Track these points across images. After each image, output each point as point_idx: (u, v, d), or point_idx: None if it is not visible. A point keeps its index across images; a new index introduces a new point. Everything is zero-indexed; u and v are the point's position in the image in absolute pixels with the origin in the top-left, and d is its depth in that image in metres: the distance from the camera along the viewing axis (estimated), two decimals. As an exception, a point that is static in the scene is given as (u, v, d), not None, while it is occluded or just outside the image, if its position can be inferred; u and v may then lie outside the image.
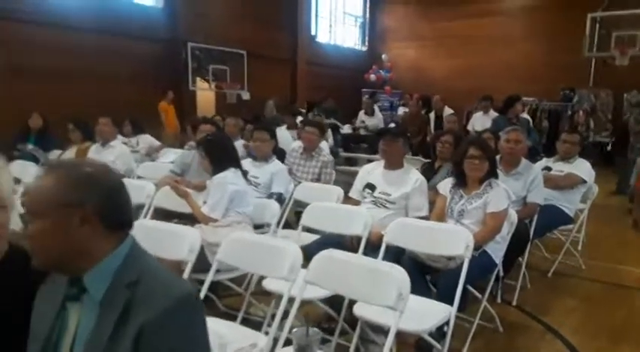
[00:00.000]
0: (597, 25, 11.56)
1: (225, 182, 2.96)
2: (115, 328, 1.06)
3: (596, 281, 4.22)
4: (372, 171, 3.44)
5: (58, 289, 1.17)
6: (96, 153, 4.85)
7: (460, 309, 2.54)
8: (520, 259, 3.70)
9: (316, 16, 15.94)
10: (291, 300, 2.06)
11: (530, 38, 13.73)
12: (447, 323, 2.43)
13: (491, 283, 3.00)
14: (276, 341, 1.99)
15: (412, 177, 3.26)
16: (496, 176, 3.06)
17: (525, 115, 7.23)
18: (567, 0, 12.78)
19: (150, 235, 2.03)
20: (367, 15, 17.93)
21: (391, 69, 16.43)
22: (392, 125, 8.53)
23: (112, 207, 1.14)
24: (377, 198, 3.27)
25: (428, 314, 2.30)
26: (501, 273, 3.11)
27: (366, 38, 18.00)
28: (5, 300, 1.25)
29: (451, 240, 2.52)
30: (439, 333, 2.51)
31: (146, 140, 6.41)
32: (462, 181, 3.09)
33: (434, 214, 3.16)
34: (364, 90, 16.25)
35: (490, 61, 14.43)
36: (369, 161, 8.27)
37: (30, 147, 5.19)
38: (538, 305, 3.60)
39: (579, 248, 4.54)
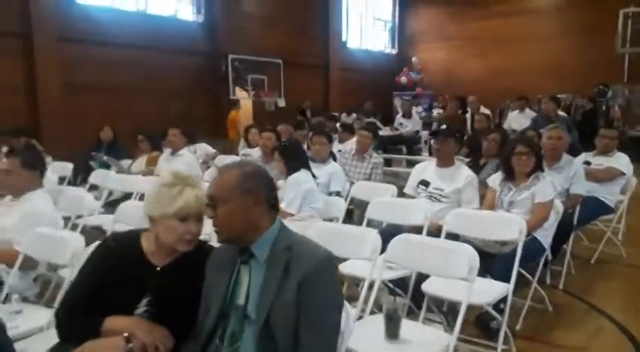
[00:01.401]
0: (629, 21, 11.61)
1: (299, 181, 3.38)
2: (281, 280, 1.47)
3: (636, 267, 4.48)
4: (425, 169, 3.81)
5: (228, 258, 1.59)
6: (166, 161, 5.32)
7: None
8: (565, 246, 3.99)
9: (347, 22, 16.34)
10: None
11: (561, 36, 13.78)
12: (505, 299, 2.78)
13: (540, 267, 3.32)
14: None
15: (463, 173, 3.61)
16: (542, 170, 3.39)
17: (563, 113, 7.43)
18: (599, -5, 12.86)
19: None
20: (396, 19, 18.24)
21: (421, 71, 16.66)
22: (435, 126, 8.80)
23: (271, 193, 1.56)
24: (431, 193, 3.64)
25: (488, 290, 2.64)
26: (549, 257, 3.43)
27: (396, 41, 18.31)
28: (190, 280, 1.69)
29: (506, 227, 2.87)
30: (497, 310, 2.85)
31: (202, 148, 6.90)
32: (510, 175, 3.43)
33: (485, 206, 3.49)
34: (395, 92, 16.57)
35: (521, 59, 14.52)
36: (408, 162, 8.68)
37: (104, 157, 5.70)
38: (583, 288, 3.89)
39: (619, 237, 4.78)
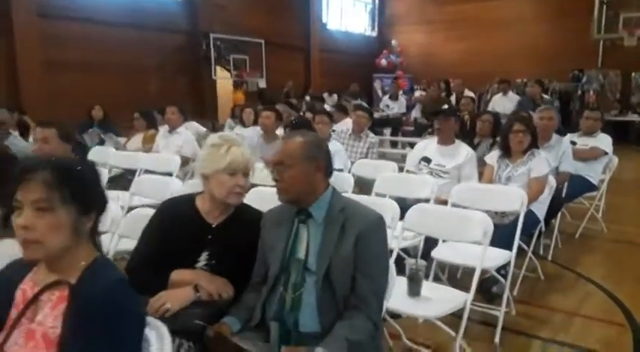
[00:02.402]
0: (605, 7, 11.96)
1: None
2: (339, 237, 1.63)
3: (617, 241, 4.79)
4: (426, 146, 4.00)
5: (285, 218, 1.75)
6: (164, 138, 5.38)
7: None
8: (553, 222, 4.25)
9: (327, 3, 16.33)
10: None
11: (538, 21, 14.04)
12: (505, 266, 3.01)
13: (534, 238, 3.57)
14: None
15: (463, 150, 3.82)
16: (537, 147, 3.61)
17: (547, 96, 7.74)
18: (575, -18, 13.16)
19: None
20: (376, 0, 18.29)
21: (401, 54, 16.80)
22: (417, 108, 9.00)
23: (328, 161, 1.72)
24: (433, 169, 3.83)
25: (492, 257, 2.84)
26: (543, 229, 3.68)
27: (376, 24, 18.37)
28: (242, 236, 1.85)
29: (508, 199, 3.08)
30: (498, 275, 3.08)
31: (193, 127, 6.93)
32: (507, 152, 3.64)
33: (484, 181, 3.71)
34: (375, 75, 16.71)
35: (499, 43, 14.74)
36: (393, 143, 8.89)
37: (102, 134, 5.72)
38: (570, 260, 4.17)
39: (600, 214, 5.08)
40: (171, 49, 11.82)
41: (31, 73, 9.21)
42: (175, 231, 1.84)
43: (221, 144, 1.87)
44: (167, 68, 11.62)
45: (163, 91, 11.20)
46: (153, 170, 4.41)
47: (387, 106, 9.22)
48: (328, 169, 1.75)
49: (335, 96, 13.08)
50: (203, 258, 1.84)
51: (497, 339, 2.78)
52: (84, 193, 1.22)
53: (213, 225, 1.88)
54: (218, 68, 12.56)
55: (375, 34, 18.36)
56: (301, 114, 6.40)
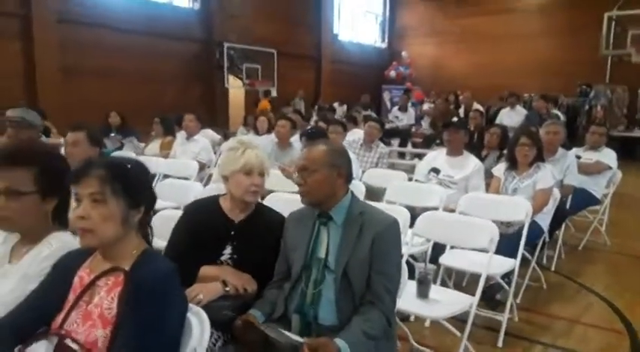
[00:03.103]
0: (613, 24, 12.08)
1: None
2: (357, 238, 1.79)
3: (620, 254, 4.91)
4: (436, 157, 4.16)
5: (307, 220, 1.91)
6: (181, 145, 5.56)
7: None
8: (557, 233, 4.38)
9: (338, 14, 16.56)
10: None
11: (547, 35, 14.18)
12: (509, 274, 3.14)
13: (538, 249, 3.70)
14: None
15: (471, 161, 3.97)
16: (543, 160, 3.76)
17: (556, 111, 7.88)
18: (584, -2, 13.31)
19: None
20: (387, 12, 18.51)
21: (410, 65, 16.96)
22: (426, 120, 9.16)
23: (349, 169, 1.88)
24: (441, 179, 3.98)
25: (498, 264, 2.99)
26: (547, 239, 3.81)
27: (386, 35, 18.59)
28: (262, 233, 2.01)
29: (513, 209, 3.23)
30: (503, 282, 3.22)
31: (208, 134, 7.12)
32: (514, 164, 3.79)
33: (491, 192, 3.84)
34: (384, 86, 16.89)
35: (508, 57, 14.87)
36: (401, 154, 9.03)
37: (124, 139, 5.91)
38: (572, 271, 4.30)
39: (604, 228, 5.20)
40: (186, 57, 12.08)
41: (50, 79, 9.45)
42: (202, 228, 2.02)
43: (237, 148, 2.07)
44: (181, 76, 11.87)
45: (177, 99, 11.45)
46: (171, 175, 4.59)
47: (397, 117, 9.38)
48: (349, 176, 1.91)
49: (345, 106, 13.27)
50: (227, 252, 2.01)
51: (500, 343, 2.92)
52: (133, 189, 1.39)
53: (236, 222, 2.06)
54: (231, 77, 12.79)
55: (385, 45, 18.57)
56: (314, 123, 6.55)
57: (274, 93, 13.66)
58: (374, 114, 9.24)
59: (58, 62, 9.51)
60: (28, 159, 1.55)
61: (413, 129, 9.51)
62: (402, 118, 9.37)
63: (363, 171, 4.70)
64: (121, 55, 10.41)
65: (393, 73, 16.88)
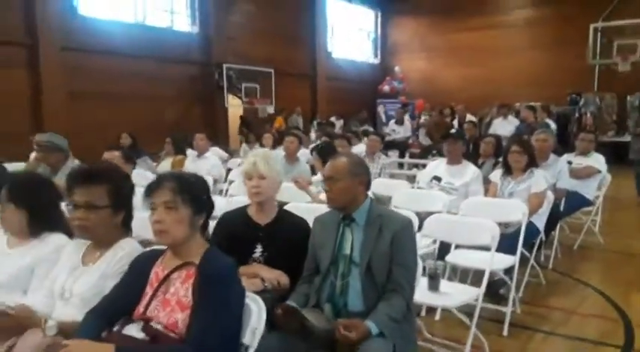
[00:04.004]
0: (599, 34, 12.55)
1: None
2: (377, 236, 2.08)
3: (612, 251, 5.21)
4: (437, 166, 4.48)
5: (332, 223, 2.20)
6: (192, 162, 5.85)
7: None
8: (553, 234, 4.68)
9: (332, 33, 17.00)
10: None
11: (536, 47, 14.62)
12: (511, 270, 3.43)
13: (535, 248, 3.99)
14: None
15: (470, 169, 4.29)
16: (536, 165, 4.07)
17: (548, 120, 8.23)
18: (570, 11, 13.74)
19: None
20: (379, 29, 18.99)
21: (403, 80, 17.37)
22: (422, 132, 9.50)
23: (369, 177, 2.18)
24: (443, 186, 4.28)
25: (499, 261, 3.27)
26: (543, 238, 4.11)
27: (378, 51, 19.06)
28: (286, 234, 2.29)
29: (511, 211, 3.53)
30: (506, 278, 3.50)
31: (216, 151, 7.43)
32: (509, 170, 4.10)
33: (489, 197, 4.14)
34: (379, 100, 17.29)
35: (499, 69, 15.31)
36: (399, 164, 9.34)
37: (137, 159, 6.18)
38: (568, 268, 4.60)
39: (596, 228, 5.50)
40: (187, 79, 12.42)
41: (55, 104, 9.70)
42: (234, 232, 2.31)
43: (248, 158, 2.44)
44: (182, 97, 12.20)
45: (179, 119, 11.78)
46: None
47: (394, 130, 9.72)
48: (368, 183, 2.21)
49: (342, 121, 13.63)
50: (258, 251, 2.29)
51: (505, 332, 3.19)
52: (197, 198, 1.69)
53: (262, 225, 2.35)
54: (230, 96, 13.13)
55: (378, 61, 19.00)
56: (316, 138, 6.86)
57: (271, 111, 14.01)
58: (371, 129, 9.56)
59: (63, 88, 9.79)
60: (103, 177, 1.85)
61: (410, 141, 9.84)
62: (398, 131, 9.71)
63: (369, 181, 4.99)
64: (124, 80, 10.70)
65: (386, 88, 17.28)
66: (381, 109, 16.84)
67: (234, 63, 12.87)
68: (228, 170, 6.17)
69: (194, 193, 1.69)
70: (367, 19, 18.64)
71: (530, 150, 4.13)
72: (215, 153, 7.34)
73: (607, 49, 12.31)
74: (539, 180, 3.96)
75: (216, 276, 1.59)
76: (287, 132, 6.34)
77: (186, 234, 1.66)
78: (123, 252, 1.82)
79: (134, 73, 10.91)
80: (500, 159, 4.82)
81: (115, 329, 1.56)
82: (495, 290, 3.56)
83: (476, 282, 3.28)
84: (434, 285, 2.74)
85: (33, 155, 6.02)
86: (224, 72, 12.64)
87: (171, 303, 1.60)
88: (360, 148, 6.11)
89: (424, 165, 7.60)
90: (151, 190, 1.67)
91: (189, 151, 6.20)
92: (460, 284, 3.12)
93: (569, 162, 5.30)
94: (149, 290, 1.66)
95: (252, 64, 13.22)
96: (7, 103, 8.78)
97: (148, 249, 1.81)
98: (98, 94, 10.22)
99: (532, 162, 4.06)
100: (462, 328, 3.08)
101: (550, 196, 4.07)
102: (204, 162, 5.78)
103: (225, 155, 7.46)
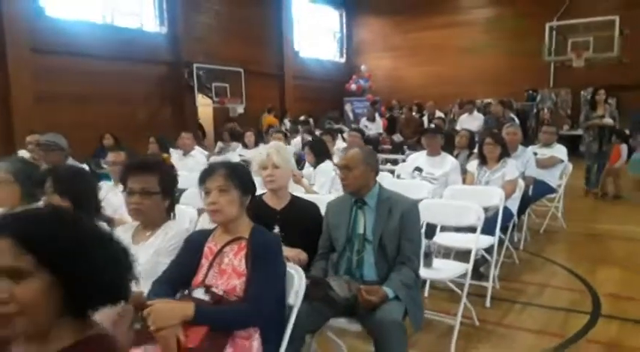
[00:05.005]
0: (554, 32, 13.23)
1: (327, 169, 4.28)
2: (387, 216, 2.38)
3: (575, 234, 5.70)
4: (417, 158, 4.84)
5: (345, 206, 2.49)
6: (178, 160, 6.02)
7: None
8: (523, 218, 5.11)
9: (298, 33, 17.24)
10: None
11: (494, 46, 15.26)
12: (491, 250, 3.81)
13: (509, 229, 4.40)
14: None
15: (449, 160, 4.66)
16: (509, 155, 4.47)
17: (512, 115, 8.74)
18: (526, 10, 14.42)
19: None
20: (344, 29, 19.37)
21: (369, 78, 17.79)
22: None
23: (378, 165, 2.48)
24: (424, 177, 4.63)
25: (480, 241, 3.63)
26: (516, 222, 4.52)
27: (344, 50, 19.43)
28: (299, 216, 2.57)
29: (490, 196, 3.91)
30: (484, 258, 3.88)
31: (199, 150, 7.58)
32: (484, 160, 4.49)
33: (467, 185, 4.52)
34: (346, 98, 17.67)
35: (460, 67, 15.85)
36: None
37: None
38: (537, 249, 5.05)
39: (559, 213, 5.97)
40: (156, 79, 12.42)
41: (25, 105, 9.62)
42: (254, 217, 2.52)
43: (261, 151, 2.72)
44: (152, 97, 12.22)
45: (149, 119, 11.82)
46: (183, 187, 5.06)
47: (366, 127, 10.07)
48: (377, 170, 2.51)
49: (311, 119, 13.92)
50: (276, 232, 2.54)
51: (488, 304, 3.57)
52: (244, 182, 1.96)
53: (278, 209, 2.62)
54: (200, 96, 13.21)
55: (344, 60, 19.35)
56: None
57: (241, 110, 14.16)
58: (344, 127, 9.89)
59: (32, 89, 9.70)
60: (155, 168, 2.09)
61: (381, 138, 10.21)
62: (370, 128, 10.08)
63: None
64: (93, 80, 10.61)
65: (353, 86, 17.61)
66: (348, 107, 17.22)
67: (204, 63, 12.96)
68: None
69: (242, 178, 1.96)
70: (332, 18, 18.98)
71: (503, 142, 4.54)
72: (199, 152, 7.54)
73: (562, 46, 12.98)
74: (512, 168, 4.37)
75: (266, 248, 1.87)
76: (274, 130, 6.57)
77: (237, 213, 1.93)
78: (172, 232, 2.07)
79: (103, 73, 10.85)
80: (474, 151, 5.26)
81: (185, 293, 1.81)
82: (476, 268, 3.92)
83: (459, 260, 3.63)
84: (428, 262, 3.07)
85: (23, 153, 6.11)
86: (194, 71, 12.72)
87: (228, 272, 1.87)
88: (339, 145, 6.41)
89: (395, 161, 8.04)
90: (205, 177, 1.93)
91: (172, 150, 6.36)
92: (450, 261, 3.46)
93: (535, 153, 5.77)
94: (205, 262, 1.91)
95: (222, 63, 13.32)
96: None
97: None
98: (67, 95, 10.12)
99: (505, 153, 4.46)
100: (449, 302, 3.45)
101: (521, 183, 4.48)
102: (190, 160, 5.97)
103: (205, 153, 7.62)
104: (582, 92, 13.28)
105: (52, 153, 4.23)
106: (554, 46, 13.06)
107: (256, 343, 1.78)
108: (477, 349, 3.03)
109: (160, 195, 2.08)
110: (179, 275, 1.89)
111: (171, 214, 2.20)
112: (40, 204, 2.46)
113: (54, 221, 0.99)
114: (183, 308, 1.65)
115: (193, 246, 1.97)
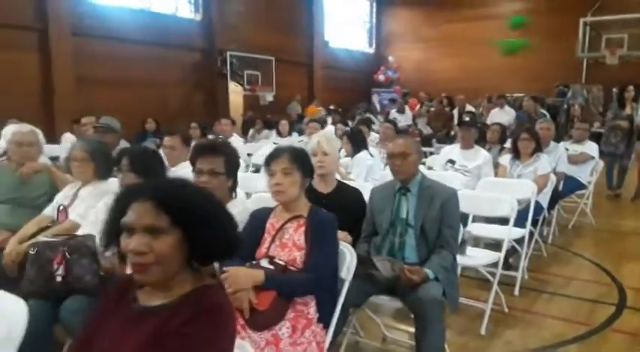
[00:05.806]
0: (588, 28, 13.09)
1: (363, 159, 4.46)
2: (429, 203, 2.56)
3: (603, 230, 5.78)
4: (451, 151, 4.97)
5: (389, 192, 2.67)
6: (217, 146, 6.27)
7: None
8: (552, 213, 5.22)
9: (329, 22, 17.32)
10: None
11: (526, 39, 15.18)
12: (522, 241, 3.94)
13: (539, 222, 4.52)
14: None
15: (482, 153, 4.79)
16: (541, 150, 4.58)
17: (543, 110, 8.76)
18: (560, 5, 14.26)
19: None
20: (374, 19, 19.38)
21: (397, 69, 17.79)
22: (422, 121, 9.99)
23: (422, 155, 2.65)
24: (457, 169, 4.77)
25: (512, 232, 3.77)
26: (546, 215, 4.64)
27: (373, 41, 19.46)
28: (343, 200, 2.76)
29: (522, 189, 4.03)
30: (514, 249, 4.02)
31: (237, 137, 7.83)
32: (517, 155, 4.61)
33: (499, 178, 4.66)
34: (373, 89, 17.72)
35: (489, 60, 15.79)
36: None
37: (156, 140, 6.60)
38: (565, 243, 5.16)
39: (588, 209, 6.05)
40: (189, 65, 12.71)
41: (66, 88, 9.98)
42: None
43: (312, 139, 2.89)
44: (185, 83, 12.52)
45: (182, 105, 12.13)
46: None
47: (395, 119, 10.17)
48: (422, 159, 2.68)
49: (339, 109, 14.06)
50: None
51: (516, 292, 3.72)
52: (305, 165, 2.16)
53: (325, 193, 2.82)
54: (232, 83, 13.45)
55: (372, 50, 19.39)
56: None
57: (270, 98, 14.36)
58: (373, 118, 10.02)
59: (73, 72, 10.04)
60: (222, 150, 2.30)
61: (410, 130, 10.31)
62: (399, 120, 10.18)
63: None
64: (130, 65, 10.94)
65: (381, 77, 17.66)
66: (375, 98, 17.28)
67: (236, 50, 13.16)
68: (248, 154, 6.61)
69: (303, 162, 2.16)
70: (363, 8, 19.00)
71: (537, 137, 4.65)
72: (237, 138, 7.79)
73: (595, 43, 12.85)
74: (545, 163, 4.49)
75: (324, 225, 2.07)
76: (309, 119, 6.76)
77: (298, 193, 2.13)
78: (237, 210, 2.27)
79: (139, 58, 11.16)
80: (505, 145, 5.38)
81: (253, 263, 2.03)
82: (506, 259, 4.07)
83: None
84: (462, 250, 3.22)
85: (67, 136, 6.41)
86: (227, 59, 12.95)
87: (289, 245, 2.07)
88: (371, 136, 6.56)
89: (425, 153, 8.15)
90: (270, 160, 2.13)
91: (209, 136, 6.60)
92: (482, 249, 3.63)
93: (566, 149, 5.85)
94: (267, 237, 2.13)
95: (253, 51, 13.52)
96: (18, 86, 9.04)
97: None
98: (105, 79, 10.43)
99: (538, 148, 4.58)
100: (479, 289, 3.62)
101: (552, 178, 4.59)
102: (229, 146, 6.19)
103: (242, 139, 7.87)
104: (614, 89, 13.13)
105: (106, 136, 4.48)
106: (588, 42, 12.93)
107: (312, 310, 1.99)
108: (505, 333, 3.20)
109: (225, 176, 2.29)
110: (246, 247, 2.10)
111: (233, 194, 2.41)
112: (113, 180, 2.71)
113: (185, 189, 1.21)
114: (255, 275, 1.87)
115: (257, 221, 2.18)
